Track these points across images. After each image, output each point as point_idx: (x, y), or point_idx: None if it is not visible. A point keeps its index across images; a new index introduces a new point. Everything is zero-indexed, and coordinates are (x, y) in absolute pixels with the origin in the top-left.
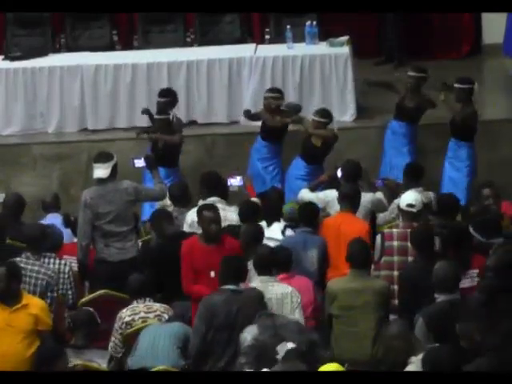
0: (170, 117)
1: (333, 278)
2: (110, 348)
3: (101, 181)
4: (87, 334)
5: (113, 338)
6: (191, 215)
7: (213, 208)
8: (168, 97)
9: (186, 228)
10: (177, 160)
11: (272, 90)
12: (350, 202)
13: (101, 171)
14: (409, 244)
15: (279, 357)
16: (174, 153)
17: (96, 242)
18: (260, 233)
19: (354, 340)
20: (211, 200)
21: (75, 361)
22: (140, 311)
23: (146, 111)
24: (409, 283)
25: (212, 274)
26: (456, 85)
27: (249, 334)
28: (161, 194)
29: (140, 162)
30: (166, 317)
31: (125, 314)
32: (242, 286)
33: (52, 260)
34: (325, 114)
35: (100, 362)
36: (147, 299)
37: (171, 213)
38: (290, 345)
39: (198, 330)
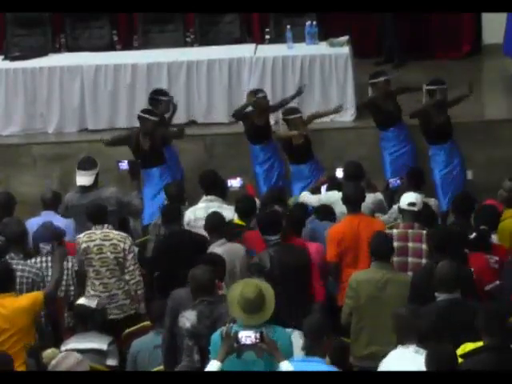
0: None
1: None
2: None
3: (83, 188)
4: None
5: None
6: (188, 215)
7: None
8: (168, 95)
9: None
10: (164, 155)
11: (260, 90)
12: (357, 203)
13: (84, 178)
14: (409, 244)
15: None
16: (161, 149)
17: None
18: None
19: (378, 332)
20: (208, 198)
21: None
22: (96, 238)
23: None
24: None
25: None
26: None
27: (187, 321)
28: (140, 209)
29: (124, 165)
30: (122, 246)
31: (82, 239)
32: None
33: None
34: (294, 110)
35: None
36: (105, 226)
37: (181, 212)
38: None
39: (166, 323)
